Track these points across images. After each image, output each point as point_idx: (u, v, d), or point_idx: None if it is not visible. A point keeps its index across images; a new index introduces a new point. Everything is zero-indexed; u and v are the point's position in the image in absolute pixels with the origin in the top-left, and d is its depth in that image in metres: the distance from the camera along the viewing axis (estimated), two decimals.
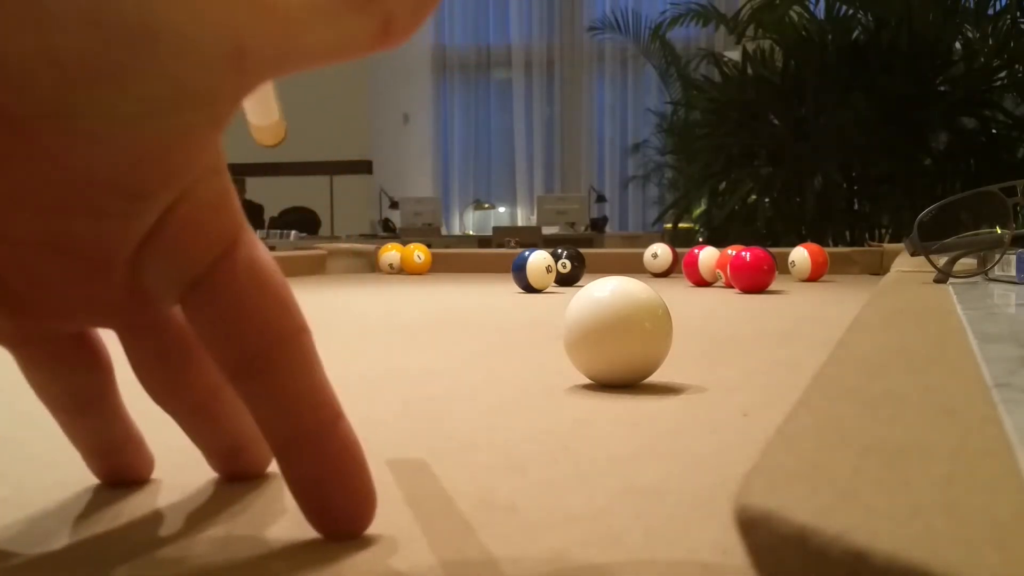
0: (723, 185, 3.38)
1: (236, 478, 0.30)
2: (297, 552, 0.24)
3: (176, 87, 0.19)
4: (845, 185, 3.30)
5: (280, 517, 0.27)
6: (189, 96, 0.20)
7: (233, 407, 0.29)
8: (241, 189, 3.97)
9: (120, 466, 0.30)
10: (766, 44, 3.38)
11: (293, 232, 4.59)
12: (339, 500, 0.24)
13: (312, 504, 0.24)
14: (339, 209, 5.12)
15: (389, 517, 0.26)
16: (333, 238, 4.32)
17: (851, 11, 3.33)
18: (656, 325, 0.48)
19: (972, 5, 3.18)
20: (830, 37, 3.27)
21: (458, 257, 1.98)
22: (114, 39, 0.18)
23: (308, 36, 0.20)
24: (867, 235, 3.16)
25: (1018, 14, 3.08)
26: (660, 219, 3.97)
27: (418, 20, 0.21)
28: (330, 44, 0.20)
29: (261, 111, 0.37)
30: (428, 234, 4.55)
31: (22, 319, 0.23)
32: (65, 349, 0.27)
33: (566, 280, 1.42)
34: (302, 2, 0.20)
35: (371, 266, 1.92)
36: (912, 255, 0.73)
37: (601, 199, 5.60)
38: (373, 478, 0.25)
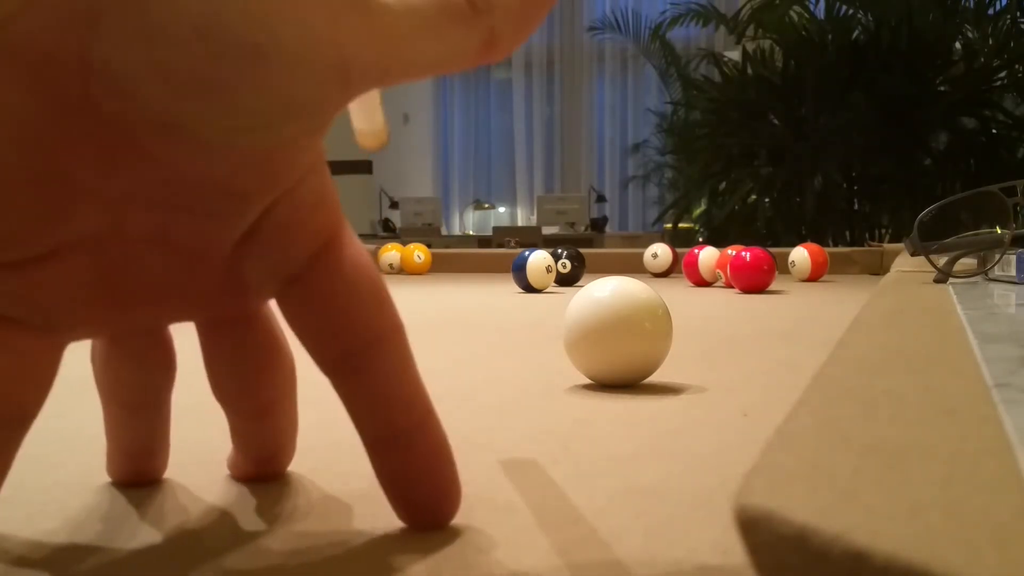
0: (723, 185, 3.38)
1: (254, 480, 0.31)
2: (298, 550, 0.24)
3: (283, 101, 0.19)
4: (845, 185, 3.30)
5: (281, 516, 0.27)
6: (295, 109, 0.20)
7: (290, 413, 0.29)
8: None
9: (144, 469, 0.30)
10: (766, 44, 3.38)
11: None
12: (427, 494, 0.25)
13: (400, 497, 0.25)
14: None
15: (388, 517, 0.26)
16: None
17: (851, 11, 3.33)
18: (656, 325, 0.48)
19: (972, 5, 3.18)
20: (830, 37, 3.27)
21: (458, 257, 1.98)
22: (223, 54, 0.18)
23: (412, 51, 0.20)
24: (867, 235, 3.16)
25: (1018, 14, 3.08)
26: (660, 219, 3.96)
27: (523, 35, 0.21)
28: (434, 58, 0.21)
29: (367, 117, 0.38)
30: (428, 234, 4.55)
31: (121, 311, 0.23)
32: (147, 347, 0.28)
33: (566, 280, 1.42)
34: (406, 18, 0.20)
35: None
36: (912, 255, 0.73)
37: (601, 199, 5.60)
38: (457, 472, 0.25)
